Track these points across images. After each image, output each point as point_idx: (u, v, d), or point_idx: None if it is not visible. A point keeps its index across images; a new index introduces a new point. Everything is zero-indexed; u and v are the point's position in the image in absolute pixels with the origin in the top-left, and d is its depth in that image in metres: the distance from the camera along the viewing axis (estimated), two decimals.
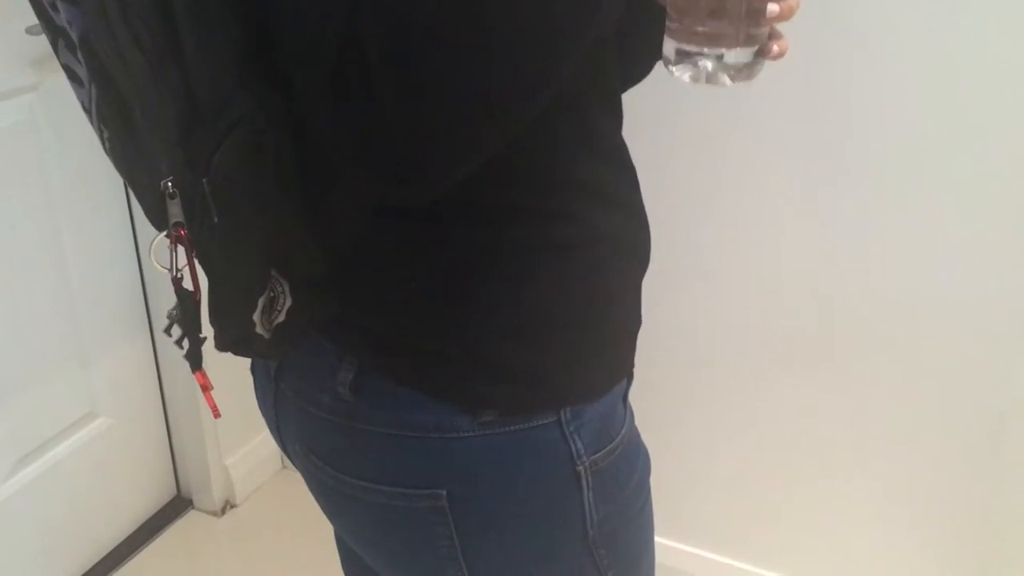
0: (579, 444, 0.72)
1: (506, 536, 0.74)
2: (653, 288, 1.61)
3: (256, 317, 0.69)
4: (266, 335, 0.70)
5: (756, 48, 0.66)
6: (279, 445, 0.84)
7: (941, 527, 1.57)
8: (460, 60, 0.55)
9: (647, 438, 0.83)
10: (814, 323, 1.55)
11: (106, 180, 1.75)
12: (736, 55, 0.64)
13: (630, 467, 0.78)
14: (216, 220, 0.63)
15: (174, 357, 1.93)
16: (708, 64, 0.64)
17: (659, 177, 1.57)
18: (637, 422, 0.81)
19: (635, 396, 0.83)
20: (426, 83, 0.55)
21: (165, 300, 1.87)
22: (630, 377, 0.80)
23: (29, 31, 1.53)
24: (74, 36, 0.65)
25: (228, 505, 2.07)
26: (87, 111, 0.71)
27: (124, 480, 1.94)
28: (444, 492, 0.71)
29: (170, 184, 0.64)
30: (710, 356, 1.66)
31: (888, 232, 1.45)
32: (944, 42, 1.32)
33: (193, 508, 2.07)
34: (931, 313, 1.46)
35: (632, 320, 0.79)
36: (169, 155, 0.63)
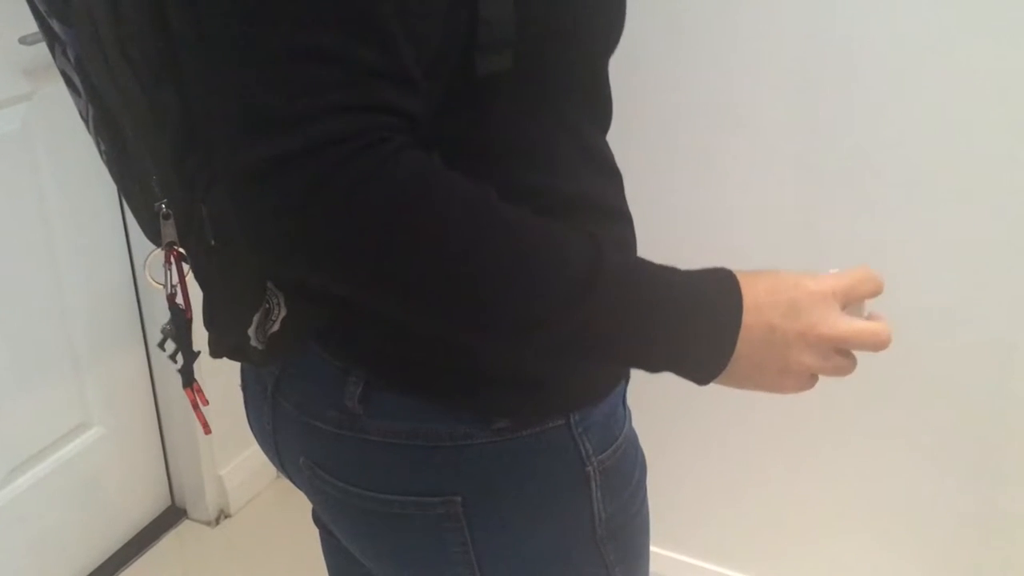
0: (588, 445, 0.74)
1: (519, 538, 0.74)
2: None
3: (251, 332, 0.69)
4: (260, 346, 0.70)
5: None
6: (275, 462, 0.83)
7: (938, 536, 1.57)
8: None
9: (652, 451, 0.84)
10: None
11: (100, 189, 1.75)
12: None
13: (631, 465, 0.79)
14: (213, 243, 0.63)
15: (168, 367, 1.92)
16: None
17: (657, 184, 1.58)
18: (643, 434, 0.83)
19: (641, 407, 0.83)
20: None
21: (159, 310, 1.87)
22: (627, 377, 0.81)
23: (23, 41, 1.53)
24: (70, 54, 0.65)
25: (222, 515, 2.06)
26: (84, 120, 0.71)
27: (118, 490, 1.93)
28: (459, 499, 0.71)
29: (164, 206, 0.64)
30: None
31: (884, 238, 1.45)
32: (944, 46, 1.32)
33: (187, 518, 2.06)
34: (928, 319, 1.46)
35: None
36: (162, 176, 0.63)
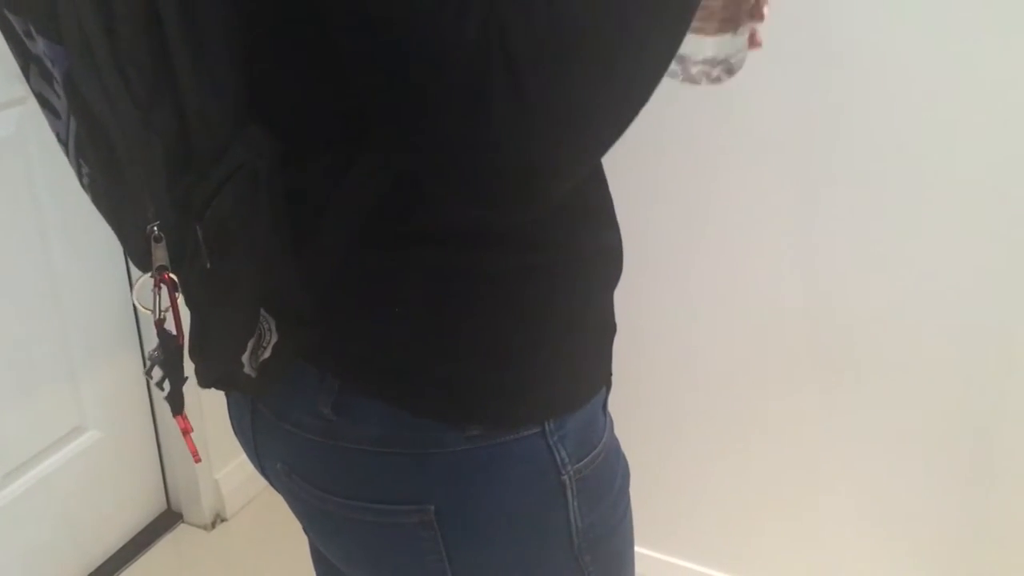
0: (563, 453, 0.72)
1: (494, 547, 0.74)
2: (646, 302, 1.62)
3: (245, 359, 0.68)
4: (253, 374, 0.69)
5: (737, 38, 0.73)
6: (256, 466, 0.83)
7: (932, 539, 1.57)
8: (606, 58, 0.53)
9: (638, 450, 0.83)
10: (804, 335, 1.55)
11: None
12: (716, 45, 0.72)
13: (612, 474, 0.78)
14: (209, 265, 0.62)
15: None
16: (694, 63, 0.73)
17: (652, 188, 1.58)
18: (629, 435, 0.82)
19: (627, 409, 0.83)
20: (572, 83, 0.52)
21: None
22: (608, 385, 0.80)
23: None
24: (56, 73, 0.64)
25: (218, 519, 2.06)
26: (63, 143, 0.69)
27: (113, 493, 1.93)
28: (432, 507, 0.71)
29: (156, 228, 0.62)
30: (702, 370, 1.66)
31: (878, 244, 1.44)
32: (941, 51, 1.32)
33: (183, 522, 2.06)
34: (920, 325, 1.46)
35: (610, 328, 0.79)
36: (155, 198, 0.62)
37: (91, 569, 1.90)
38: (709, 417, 1.68)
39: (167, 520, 2.05)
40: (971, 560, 1.55)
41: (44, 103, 0.68)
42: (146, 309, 0.67)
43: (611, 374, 0.80)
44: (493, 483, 0.71)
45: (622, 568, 0.82)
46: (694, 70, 0.75)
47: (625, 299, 0.81)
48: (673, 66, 0.73)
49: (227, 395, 0.85)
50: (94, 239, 1.78)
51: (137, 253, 0.67)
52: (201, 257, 0.62)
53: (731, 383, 1.64)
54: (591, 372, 0.77)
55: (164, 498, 2.07)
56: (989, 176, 1.35)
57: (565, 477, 0.73)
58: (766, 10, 0.76)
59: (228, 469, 2.05)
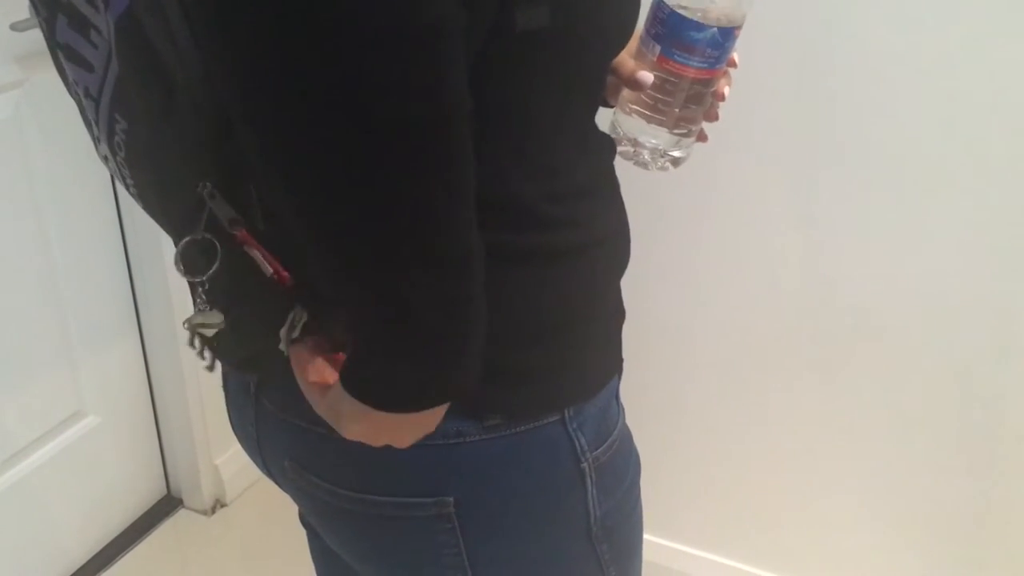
0: (583, 441, 0.72)
1: (513, 538, 0.73)
2: (649, 290, 1.61)
3: (283, 333, 0.65)
4: (286, 351, 0.67)
5: (689, 137, 0.79)
6: (259, 464, 0.81)
7: (935, 528, 1.57)
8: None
9: (645, 439, 0.83)
10: (807, 325, 1.55)
11: (93, 177, 1.73)
12: (671, 141, 0.78)
13: (625, 461, 0.78)
14: (262, 227, 0.60)
15: (163, 355, 1.92)
16: (647, 148, 0.78)
17: (655, 178, 1.57)
18: (635, 423, 0.81)
19: (632, 397, 0.82)
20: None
21: (153, 297, 1.86)
22: (620, 371, 0.79)
23: (14, 27, 1.51)
24: (102, 19, 0.61)
25: (218, 504, 2.06)
26: (92, 99, 0.65)
27: (113, 479, 1.93)
28: (451, 499, 0.70)
29: (209, 185, 0.60)
30: (706, 358, 1.66)
31: (880, 234, 1.44)
32: (939, 48, 1.31)
33: (183, 507, 2.05)
34: (922, 314, 1.46)
35: (620, 314, 0.79)
36: (210, 152, 0.60)
37: (91, 554, 1.90)
38: (712, 404, 1.68)
39: (167, 505, 2.05)
40: (976, 545, 1.55)
41: (72, 56, 0.65)
42: (190, 277, 0.64)
43: (623, 360, 0.79)
44: (514, 473, 0.70)
45: (633, 555, 0.82)
46: (646, 155, 0.79)
47: (628, 287, 0.80)
48: (628, 147, 0.78)
49: (226, 394, 0.83)
50: (92, 224, 1.77)
51: (177, 215, 0.64)
52: (253, 218, 0.60)
53: (733, 371, 1.63)
54: (606, 358, 0.76)
55: (164, 483, 2.07)
56: (989, 162, 1.34)
57: (584, 465, 0.72)
58: (720, 111, 0.80)
59: (228, 454, 2.05)
